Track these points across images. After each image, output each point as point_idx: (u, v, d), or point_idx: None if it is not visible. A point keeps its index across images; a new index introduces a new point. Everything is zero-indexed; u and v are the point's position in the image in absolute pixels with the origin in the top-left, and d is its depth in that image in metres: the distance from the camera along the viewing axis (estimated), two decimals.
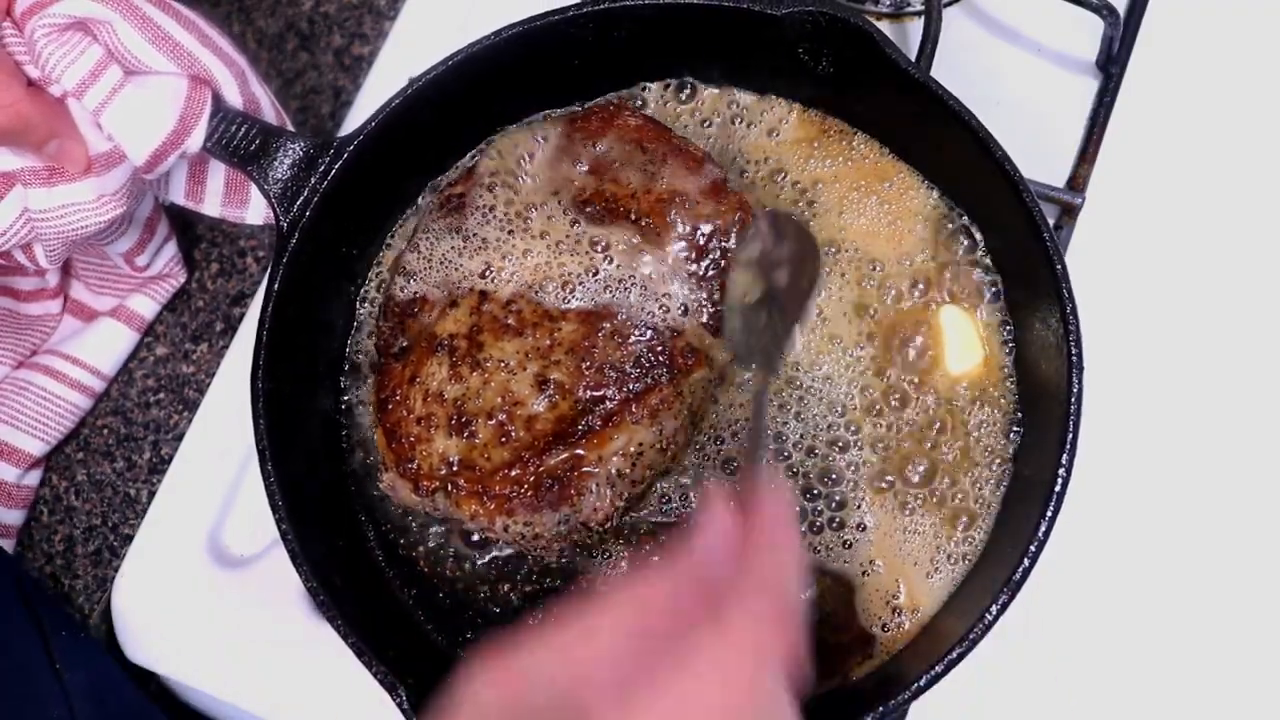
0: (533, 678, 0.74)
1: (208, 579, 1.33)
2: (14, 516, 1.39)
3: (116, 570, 1.36)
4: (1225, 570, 1.25)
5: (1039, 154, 1.26)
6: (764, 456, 0.97)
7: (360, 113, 1.44)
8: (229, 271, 1.45)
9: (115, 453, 1.42)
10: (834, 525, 1.18)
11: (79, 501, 1.41)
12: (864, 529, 1.18)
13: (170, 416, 1.42)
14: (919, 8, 1.41)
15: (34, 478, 1.40)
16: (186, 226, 1.45)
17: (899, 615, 1.16)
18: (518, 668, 0.75)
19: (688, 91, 1.30)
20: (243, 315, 1.42)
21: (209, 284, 1.45)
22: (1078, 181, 1.33)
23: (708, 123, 1.29)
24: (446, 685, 0.75)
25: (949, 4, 1.41)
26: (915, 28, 1.41)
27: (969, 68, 1.33)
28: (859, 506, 1.18)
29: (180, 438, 1.39)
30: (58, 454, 1.43)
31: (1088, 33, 1.35)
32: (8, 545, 1.38)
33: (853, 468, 1.19)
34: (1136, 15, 1.36)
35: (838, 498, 1.19)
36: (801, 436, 1.20)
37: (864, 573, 1.17)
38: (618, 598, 0.77)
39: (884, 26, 1.40)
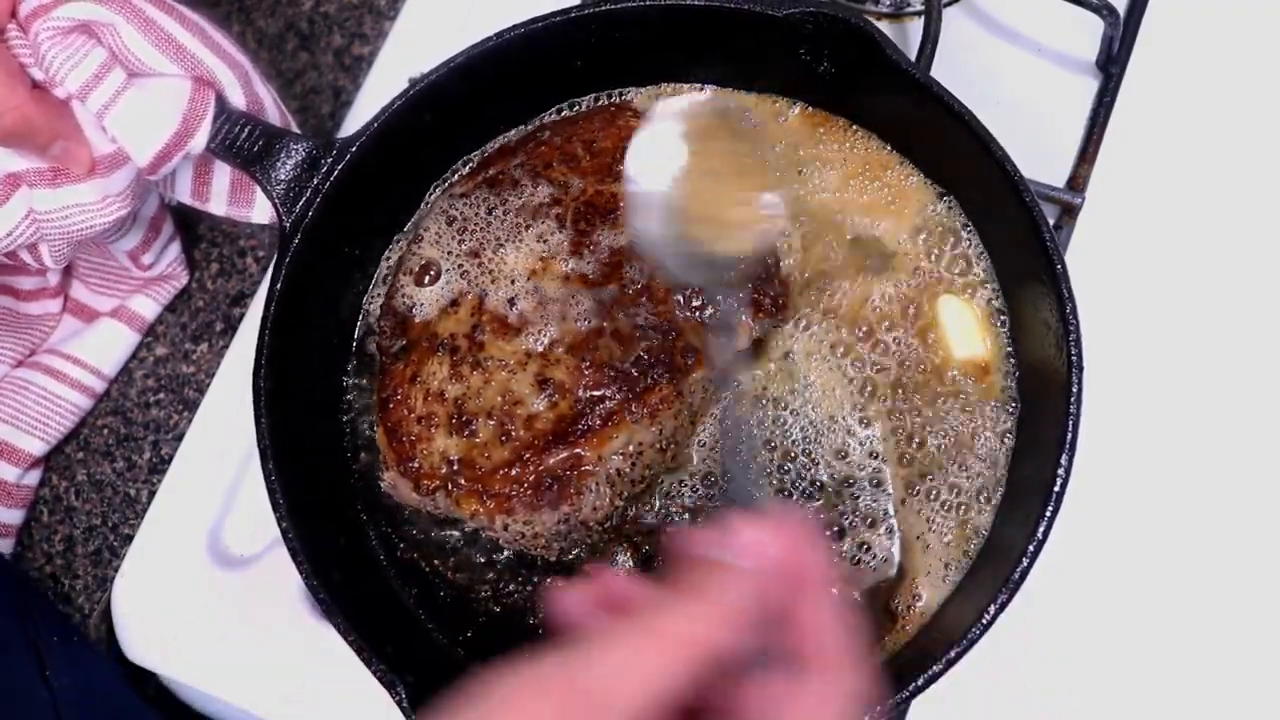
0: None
1: (208, 579, 1.33)
2: (14, 516, 1.39)
3: (116, 570, 1.36)
4: (1225, 570, 1.25)
5: (1039, 154, 1.26)
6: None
7: (360, 113, 1.44)
8: (229, 271, 1.45)
9: (115, 453, 1.42)
10: (837, 533, 1.18)
11: (79, 501, 1.41)
12: (866, 536, 1.18)
13: (170, 416, 1.42)
14: (919, 8, 1.41)
15: (34, 477, 1.41)
16: (187, 226, 1.45)
17: (899, 614, 1.16)
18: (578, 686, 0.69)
19: (689, 92, 1.30)
20: (243, 315, 1.42)
21: (209, 284, 1.45)
22: (1078, 181, 1.33)
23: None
24: (453, 687, 0.72)
25: (949, 4, 1.41)
26: (915, 28, 1.41)
27: (969, 68, 1.33)
28: (861, 513, 1.18)
29: (180, 438, 1.39)
30: (58, 454, 1.43)
31: (1088, 33, 1.35)
32: (7, 545, 1.39)
33: (850, 481, 1.19)
34: (1136, 15, 1.37)
35: (838, 507, 1.19)
36: (801, 441, 1.20)
37: (862, 571, 1.17)
38: (673, 629, 0.71)
39: (884, 26, 1.40)
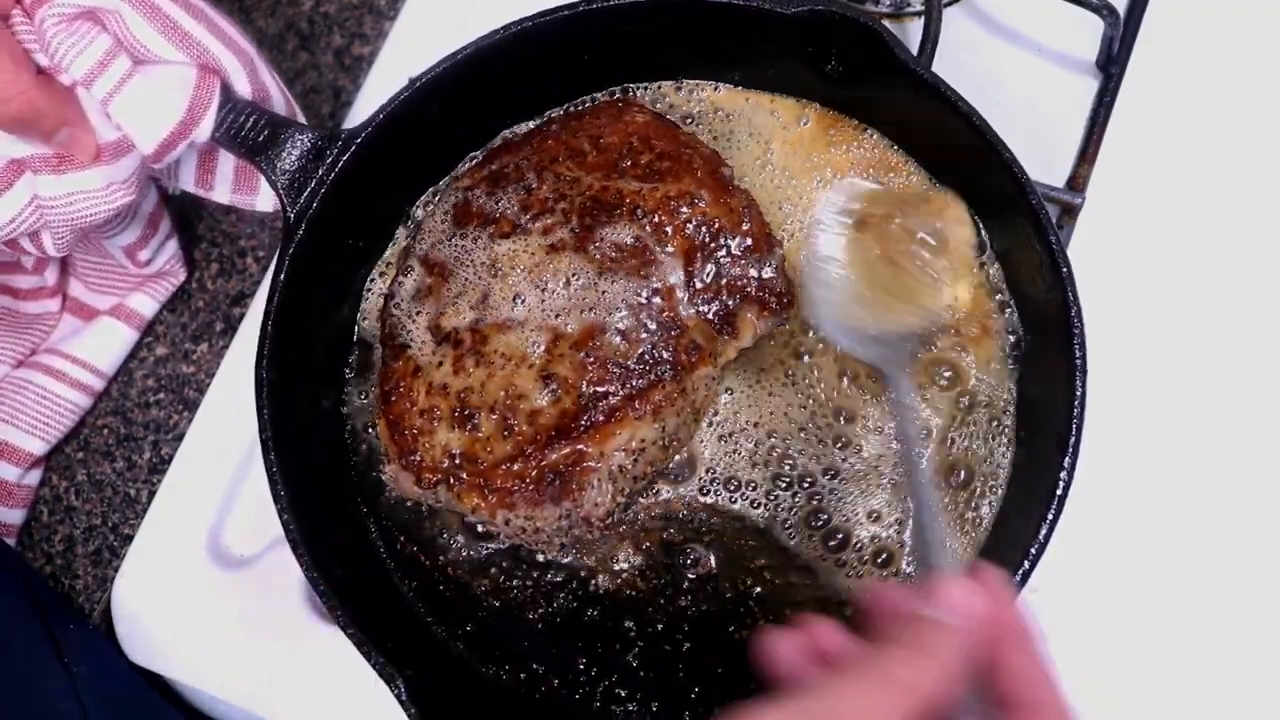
0: None
1: (208, 579, 1.33)
2: (15, 516, 1.39)
3: (116, 570, 1.36)
4: (1228, 570, 1.25)
5: (1039, 154, 1.26)
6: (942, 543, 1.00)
7: (360, 113, 1.44)
8: (229, 271, 1.45)
9: (115, 453, 1.42)
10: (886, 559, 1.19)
11: (79, 501, 1.41)
12: (861, 533, 1.18)
13: (170, 416, 1.42)
14: (919, 8, 1.41)
15: (34, 477, 1.40)
16: (186, 226, 1.46)
17: None
18: None
19: (695, 89, 1.30)
20: (243, 315, 1.42)
21: (209, 284, 1.45)
22: (1078, 181, 1.34)
23: (715, 120, 1.29)
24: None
25: (949, 4, 1.41)
26: (915, 28, 1.41)
27: (969, 68, 1.33)
28: (862, 513, 1.19)
29: (180, 438, 1.39)
30: (58, 454, 1.43)
31: (1088, 33, 1.36)
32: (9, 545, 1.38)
33: (863, 477, 1.20)
34: (1136, 15, 1.37)
35: (841, 510, 1.19)
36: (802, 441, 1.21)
37: (867, 574, 1.17)
38: (901, 677, 0.77)
39: None
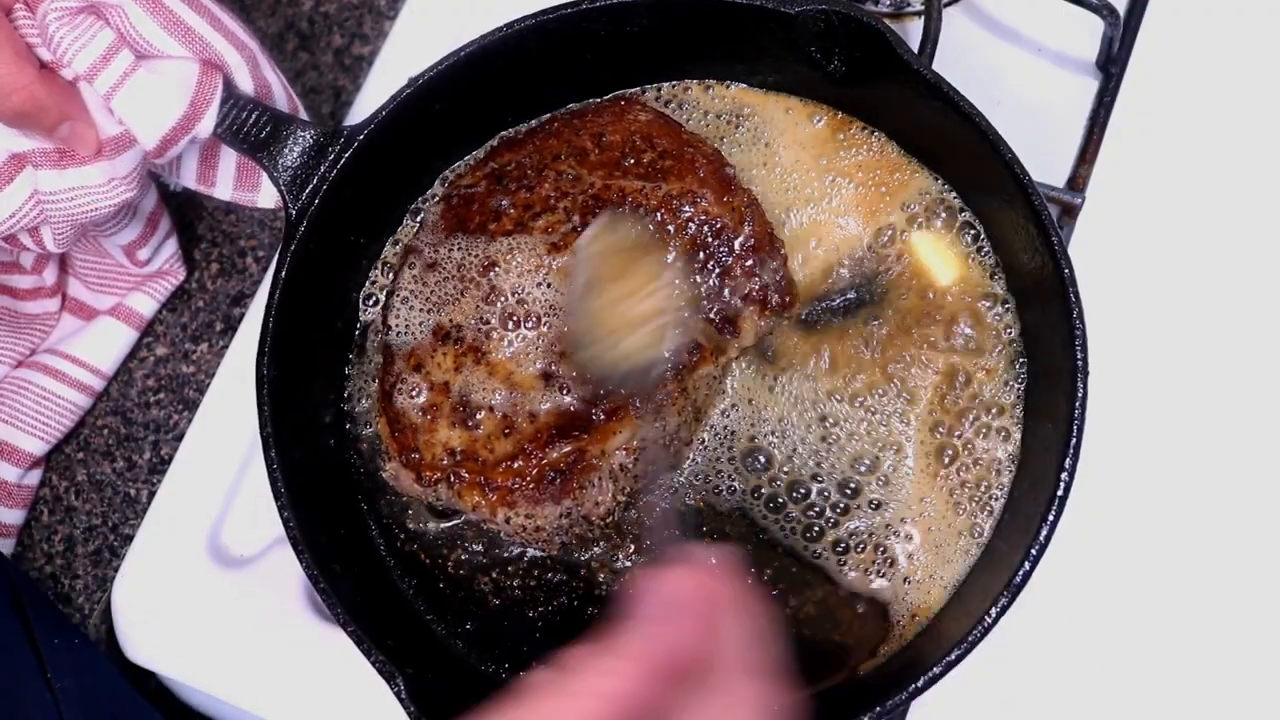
0: None
1: (208, 579, 1.33)
2: (14, 516, 1.39)
3: (116, 570, 1.36)
4: (1227, 571, 1.25)
5: (1039, 154, 1.25)
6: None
7: (361, 113, 1.44)
8: (229, 271, 1.45)
9: (115, 453, 1.42)
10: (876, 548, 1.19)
11: (79, 501, 1.41)
12: (864, 533, 1.18)
13: (170, 416, 1.42)
14: (919, 8, 1.41)
15: (34, 477, 1.40)
16: (186, 226, 1.46)
17: (900, 616, 1.16)
18: None
19: (699, 88, 1.30)
20: (243, 315, 1.42)
21: (209, 284, 1.45)
22: (1078, 181, 1.34)
23: (718, 119, 1.29)
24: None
25: (949, 4, 1.41)
26: (915, 27, 1.41)
27: (969, 68, 1.33)
28: (856, 514, 1.19)
29: (180, 438, 1.39)
30: (58, 454, 1.43)
31: (1088, 33, 1.36)
32: (8, 545, 1.38)
33: (850, 486, 1.20)
34: (1136, 15, 1.37)
35: (835, 508, 1.19)
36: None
37: (868, 574, 1.17)
38: (588, 686, 0.75)
39: None
